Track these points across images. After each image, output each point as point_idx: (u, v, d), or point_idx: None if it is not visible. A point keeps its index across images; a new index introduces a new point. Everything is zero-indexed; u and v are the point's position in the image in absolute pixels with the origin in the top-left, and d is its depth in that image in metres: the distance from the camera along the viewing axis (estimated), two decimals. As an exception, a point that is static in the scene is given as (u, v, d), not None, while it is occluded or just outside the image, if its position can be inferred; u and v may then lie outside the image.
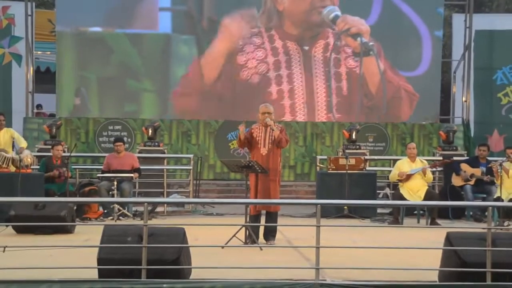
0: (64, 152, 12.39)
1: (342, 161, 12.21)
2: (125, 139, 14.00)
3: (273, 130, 8.75)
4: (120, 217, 11.11)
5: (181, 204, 12.77)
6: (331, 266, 6.73)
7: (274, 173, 8.78)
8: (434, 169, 11.97)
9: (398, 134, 15.63)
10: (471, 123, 15.84)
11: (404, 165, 11.44)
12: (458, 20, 16.55)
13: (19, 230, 9.30)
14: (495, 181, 11.50)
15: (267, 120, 8.76)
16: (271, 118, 8.81)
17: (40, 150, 13.42)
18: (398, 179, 11.41)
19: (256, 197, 8.66)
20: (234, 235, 8.35)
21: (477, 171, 12.06)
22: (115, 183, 11.30)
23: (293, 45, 15.94)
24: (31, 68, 15.73)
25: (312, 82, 15.86)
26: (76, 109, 15.83)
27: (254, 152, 8.86)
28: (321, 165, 13.42)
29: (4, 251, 6.67)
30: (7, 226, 9.43)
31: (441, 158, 13.07)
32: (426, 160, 11.98)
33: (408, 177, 11.23)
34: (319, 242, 6.28)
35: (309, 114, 15.91)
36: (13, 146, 12.06)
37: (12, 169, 11.24)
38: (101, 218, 11.24)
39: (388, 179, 12.39)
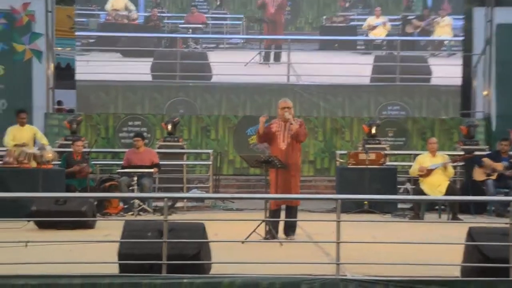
0: (85, 147, 12.44)
1: (362, 156, 12.16)
2: (144, 134, 14.04)
3: (291, 124, 8.72)
4: (140, 213, 11.14)
5: (201, 200, 12.77)
6: (352, 261, 6.69)
7: (295, 168, 8.75)
8: (455, 163, 11.87)
9: (418, 129, 15.54)
10: (492, 118, 15.69)
11: (424, 159, 11.36)
12: (479, 14, 16.40)
13: (41, 225, 9.36)
14: (517, 175, 11.38)
15: (285, 114, 8.74)
16: (290, 113, 8.79)
17: (60, 146, 13.48)
18: (418, 174, 11.32)
19: (276, 192, 8.64)
20: (254, 230, 8.33)
21: (499, 166, 11.94)
22: (135, 178, 11.34)
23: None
24: (52, 65, 15.83)
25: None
26: (96, 105, 15.92)
27: (273, 147, 8.84)
28: (341, 160, 13.36)
29: (26, 246, 6.71)
30: (29, 221, 9.49)
31: (462, 152, 12.96)
32: (447, 155, 11.88)
33: (429, 172, 11.15)
34: (339, 237, 6.24)
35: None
36: (34, 143, 12.13)
37: (34, 164, 11.30)
38: (122, 213, 11.28)
39: (408, 174, 12.31)
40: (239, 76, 15.85)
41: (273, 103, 15.13)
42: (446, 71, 15.92)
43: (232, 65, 15.93)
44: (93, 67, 15.76)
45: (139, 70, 15.81)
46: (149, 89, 15.88)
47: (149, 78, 15.90)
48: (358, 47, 16.53)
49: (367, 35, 16.40)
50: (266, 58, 16.27)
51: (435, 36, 16.22)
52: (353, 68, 15.92)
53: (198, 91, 15.90)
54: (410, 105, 15.94)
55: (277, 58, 16.32)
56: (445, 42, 16.32)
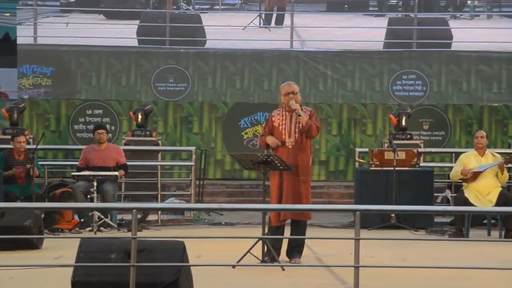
0: (29, 144, 12.42)
1: (388, 155, 12.19)
2: (107, 126, 14.04)
3: (299, 115, 8.71)
4: (101, 228, 11.16)
5: (180, 211, 12.79)
6: (375, 291, 6.72)
7: (305, 171, 8.75)
8: (509, 164, 11.88)
9: (462, 120, 15.57)
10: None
11: (469, 159, 11.35)
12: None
13: (-29, 245, 9.36)
14: None
15: (291, 103, 8.72)
16: (296, 100, 8.77)
17: (-3, 142, 13.49)
18: (461, 179, 11.35)
19: (281, 203, 8.64)
20: (249, 251, 8.36)
21: None
22: (95, 183, 11.34)
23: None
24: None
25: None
26: (45, 88, 15.94)
27: (277, 146, 8.81)
28: (361, 160, 13.40)
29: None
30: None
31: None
32: (499, 153, 11.89)
33: (475, 175, 11.16)
34: (358, 260, 6.27)
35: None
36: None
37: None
38: (77, 229, 11.29)
39: (448, 178, 12.33)
40: (236, 42, 16.76)
41: (274, 72, 16.45)
42: (469, 35, 17.04)
43: (228, 29, 17.08)
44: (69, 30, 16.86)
45: (123, 34, 16.91)
46: (135, 56, 16.83)
47: (135, 43, 17.03)
48: (371, 8, 17.82)
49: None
50: (267, 21, 17.45)
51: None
52: (365, 33, 17.04)
53: (191, 58, 16.83)
54: (428, 74, 16.77)
55: (279, 21, 17.50)
56: (468, 3, 17.16)
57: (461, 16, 17.66)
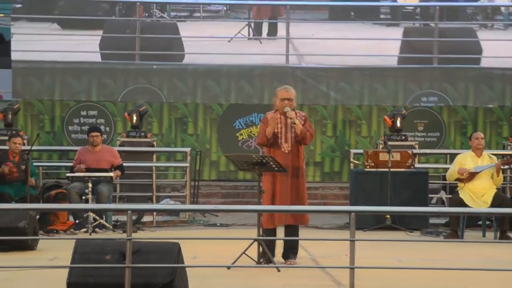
0: (24, 145, 12.41)
1: (383, 156, 12.21)
2: (102, 128, 14.04)
3: (294, 123, 8.68)
4: (96, 229, 11.16)
5: (175, 212, 12.78)
6: (370, 292, 6.73)
7: (302, 172, 8.77)
8: (507, 166, 11.90)
9: (456, 121, 15.58)
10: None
11: (466, 160, 11.34)
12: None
13: (-35, 246, 9.35)
14: None
15: (287, 111, 8.70)
16: (292, 107, 8.74)
17: (-9, 143, 13.46)
18: (458, 178, 11.34)
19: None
20: (244, 252, 8.36)
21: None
22: (90, 185, 11.35)
23: None
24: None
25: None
26: (39, 88, 15.87)
27: (272, 150, 8.78)
28: (356, 162, 13.42)
29: None
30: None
31: (513, 152, 13.00)
32: (494, 154, 11.90)
33: (472, 176, 11.17)
34: (353, 261, 6.28)
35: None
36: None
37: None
38: (72, 230, 11.29)
39: (444, 179, 12.34)
40: (221, 56, 15.33)
41: (266, 92, 14.95)
42: (502, 49, 15.41)
43: (211, 41, 15.43)
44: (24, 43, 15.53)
45: (83, 47, 15.33)
46: (97, 73, 15.43)
47: (97, 58, 15.45)
48: (382, 16, 15.98)
49: (394, 1, 15.90)
50: (258, 32, 15.65)
51: (486, 1, 15.90)
52: (375, 45, 15.40)
53: (165, 76, 15.47)
54: (452, 96, 15.52)
55: (272, 31, 15.68)
56: (502, 9, 15.93)
57: (493, 26, 15.55)
